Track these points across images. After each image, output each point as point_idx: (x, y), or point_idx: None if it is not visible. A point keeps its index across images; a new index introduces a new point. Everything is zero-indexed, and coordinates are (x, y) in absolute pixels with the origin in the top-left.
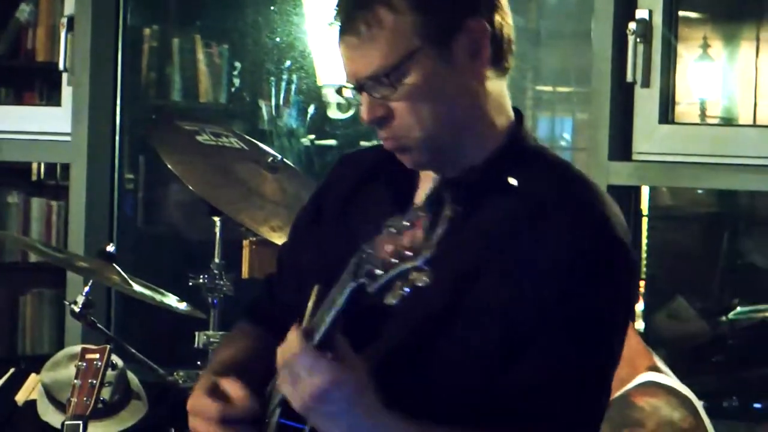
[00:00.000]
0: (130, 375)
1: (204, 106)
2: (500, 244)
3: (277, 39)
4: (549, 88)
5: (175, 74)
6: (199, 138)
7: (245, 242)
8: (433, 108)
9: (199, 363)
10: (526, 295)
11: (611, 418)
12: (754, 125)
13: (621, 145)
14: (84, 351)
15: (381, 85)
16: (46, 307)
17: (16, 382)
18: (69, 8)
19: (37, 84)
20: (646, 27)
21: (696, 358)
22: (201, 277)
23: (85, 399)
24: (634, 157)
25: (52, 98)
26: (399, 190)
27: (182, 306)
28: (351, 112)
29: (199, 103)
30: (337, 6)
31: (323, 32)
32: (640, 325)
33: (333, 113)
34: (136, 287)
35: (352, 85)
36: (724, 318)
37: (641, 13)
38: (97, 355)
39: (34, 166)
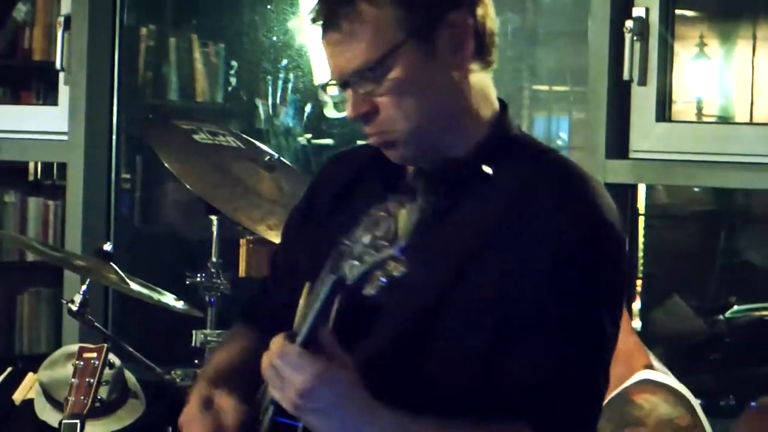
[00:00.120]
0: (128, 374)
1: (201, 105)
2: (488, 235)
3: (274, 38)
4: (546, 87)
5: (172, 73)
6: (196, 137)
7: (242, 241)
8: (417, 102)
9: (196, 361)
10: (516, 284)
11: (611, 417)
12: (751, 123)
13: (618, 144)
14: (81, 350)
15: (365, 80)
16: (44, 306)
17: (14, 381)
18: (66, 7)
19: (33, 83)
20: (642, 25)
21: (693, 357)
22: (198, 275)
23: (82, 398)
24: (631, 155)
25: (49, 97)
26: (389, 188)
27: (179, 305)
28: None
29: (196, 102)
30: (319, 2)
31: (319, 30)
32: (637, 323)
33: (330, 112)
34: (134, 286)
35: (336, 82)
36: (721, 316)
37: (638, 12)
38: (95, 354)
39: (31, 165)
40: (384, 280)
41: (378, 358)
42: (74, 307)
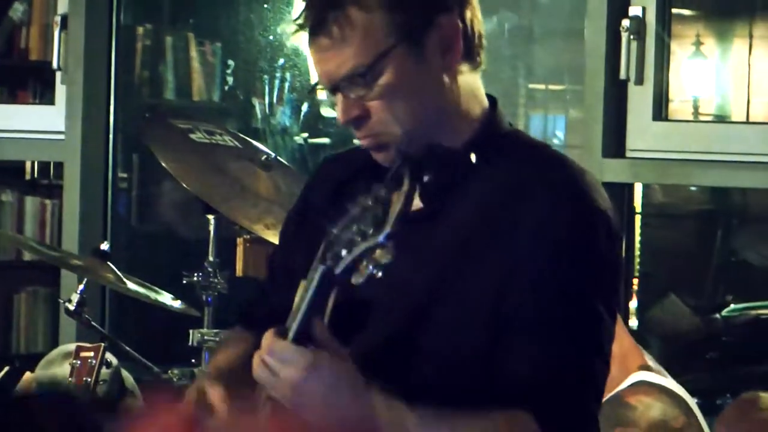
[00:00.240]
0: (125, 373)
1: (197, 104)
2: (481, 230)
3: (270, 37)
4: (542, 86)
5: (169, 73)
6: (192, 136)
7: (239, 240)
8: (408, 105)
9: (193, 361)
10: (511, 278)
11: (604, 418)
12: (747, 122)
13: (614, 143)
14: (78, 349)
15: (356, 85)
16: (41, 305)
17: (11, 381)
18: (62, 7)
19: (30, 83)
20: (639, 24)
21: (690, 355)
22: (195, 275)
23: None
24: (628, 154)
25: (46, 97)
26: None
27: (176, 304)
28: None
29: (193, 102)
30: (307, 6)
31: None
32: (633, 322)
33: (326, 111)
34: (131, 285)
35: (325, 87)
36: (717, 315)
37: (634, 11)
38: (92, 353)
39: (28, 164)
40: (372, 268)
41: (372, 355)
42: (71, 307)
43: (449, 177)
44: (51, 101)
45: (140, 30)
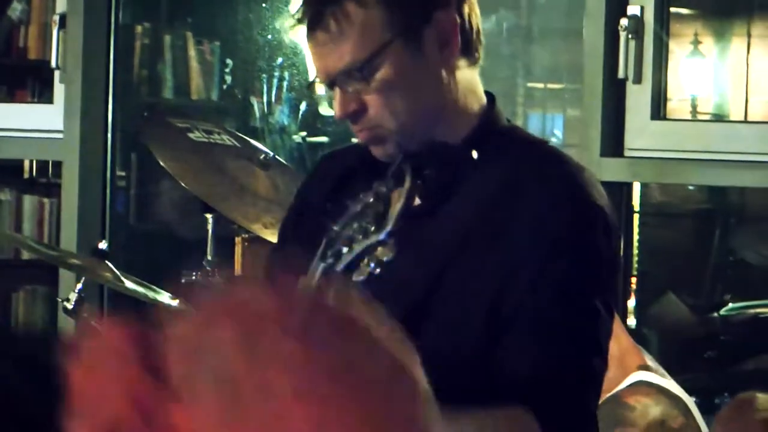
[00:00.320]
0: None
1: (196, 103)
2: (478, 226)
3: (269, 36)
4: (540, 85)
5: (167, 71)
6: (191, 135)
7: (238, 239)
8: (406, 99)
9: None
10: (509, 274)
11: (603, 418)
12: (746, 121)
13: (613, 142)
14: None
15: (353, 79)
16: (39, 304)
17: None
18: (61, 6)
19: (29, 82)
20: (637, 23)
21: (688, 354)
22: (193, 274)
23: None
24: (626, 153)
25: (44, 96)
26: None
27: (175, 303)
28: None
29: (191, 101)
30: (304, 1)
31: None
32: (632, 321)
33: (325, 110)
34: (129, 284)
35: (322, 81)
36: (715, 314)
37: (632, 10)
38: None
39: (26, 163)
40: (373, 266)
41: None
42: (69, 306)
43: (451, 174)
44: (49, 100)
45: (139, 29)
